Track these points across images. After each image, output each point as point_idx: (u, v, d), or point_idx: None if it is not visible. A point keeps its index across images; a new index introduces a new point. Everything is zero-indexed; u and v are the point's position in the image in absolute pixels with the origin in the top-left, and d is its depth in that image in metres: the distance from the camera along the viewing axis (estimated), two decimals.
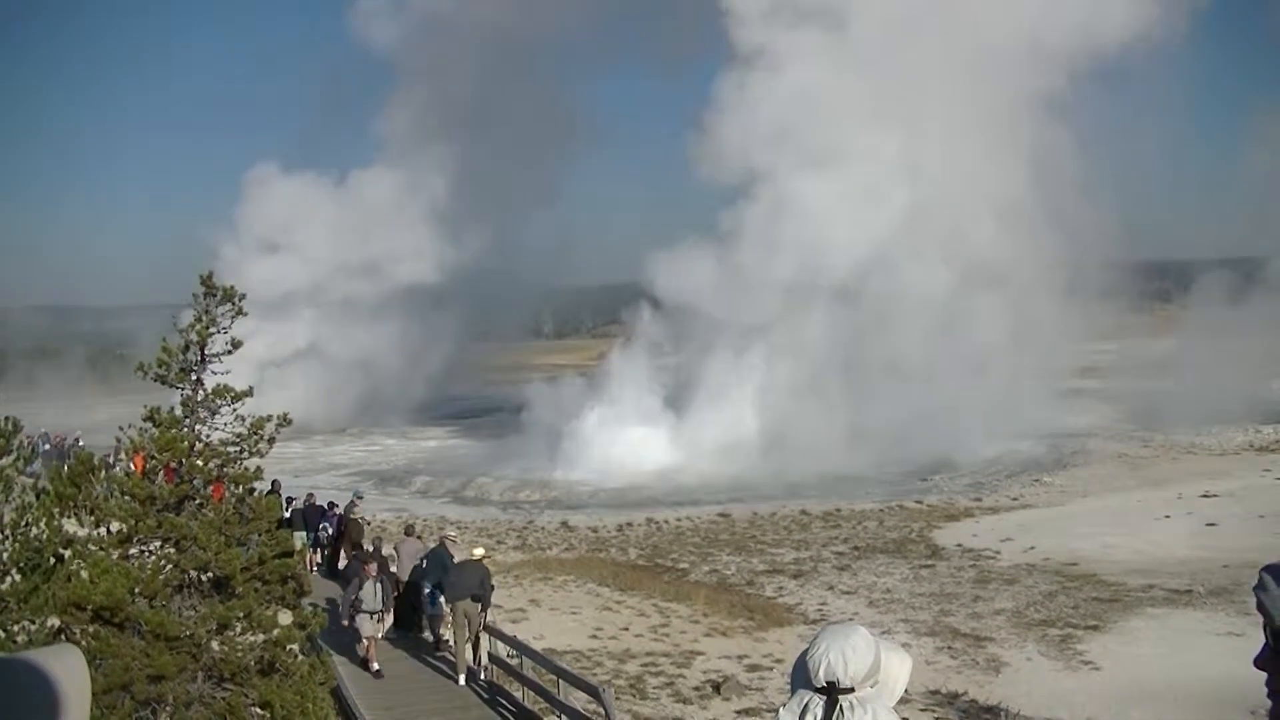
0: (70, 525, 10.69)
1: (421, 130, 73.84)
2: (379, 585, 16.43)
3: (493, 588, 16.14)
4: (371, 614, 16.29)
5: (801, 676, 2.37)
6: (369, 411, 69.57)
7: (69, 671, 1.82)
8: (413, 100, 75.92)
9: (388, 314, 71.95)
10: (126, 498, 10.60)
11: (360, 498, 26.81)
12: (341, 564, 23.11)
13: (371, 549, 20.61)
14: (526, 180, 78.77)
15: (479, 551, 17.08)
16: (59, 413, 58.50)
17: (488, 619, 15.93)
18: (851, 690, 2.30)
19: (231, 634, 10.53)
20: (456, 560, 16.80)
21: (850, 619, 20.83)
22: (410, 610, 18.72)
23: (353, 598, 16.35)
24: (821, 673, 2.30)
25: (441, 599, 16.52)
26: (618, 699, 14.77)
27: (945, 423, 46.19)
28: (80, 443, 38.93)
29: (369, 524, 28.36)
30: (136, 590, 10.11)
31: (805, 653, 2.37)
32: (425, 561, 17.92)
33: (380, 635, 16.80)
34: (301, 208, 70.49)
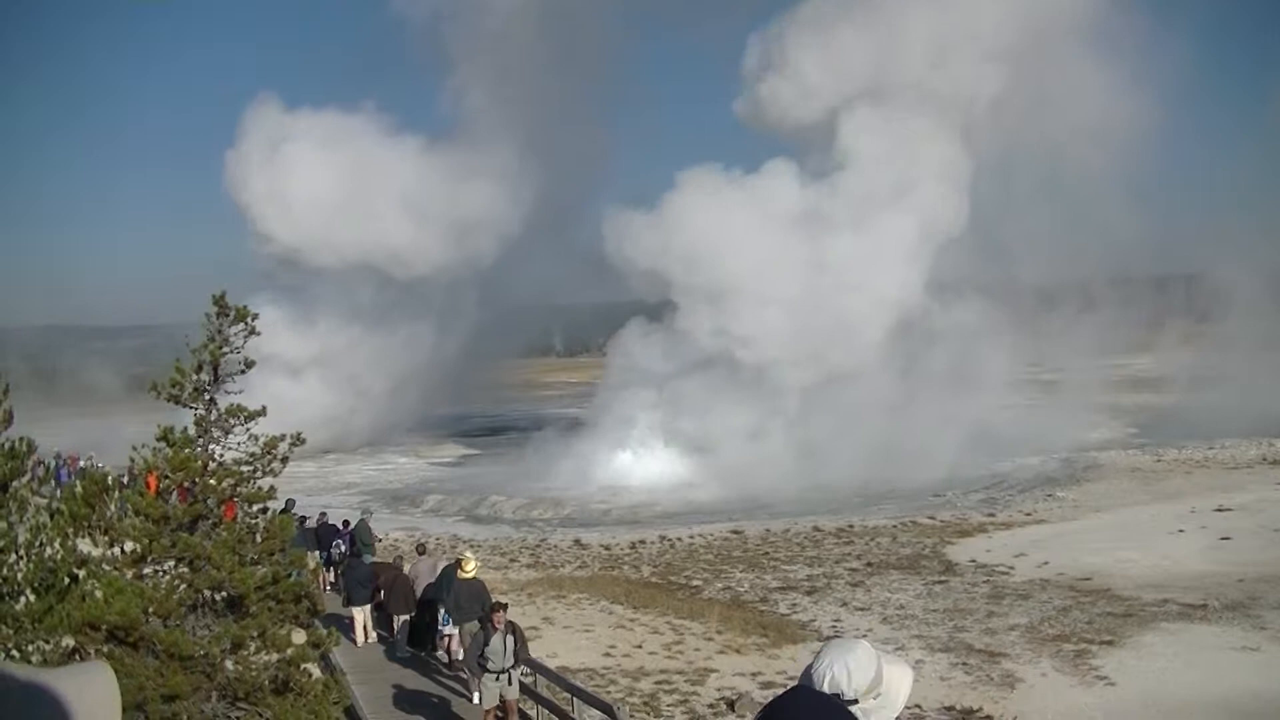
0: (84, 545, 10.74)
1: (474, 109, 68.75)
2: (509, 640, 13.44)
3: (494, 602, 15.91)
4: (498, 674, 13.42)
5: None
6: (381, 430, 68.89)
7: (99, 689, 1.86)
8: (464, 82, 71.25)
9: (400, 327, 69.73)
10: (140, 518, 10.66)
11: (369, 514, 26.89)
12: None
13: (495, 603, 14.79)
14: (579, 144, 72.90)
15: (470, 567, 16.75)
16: (84, 431, 58.40)
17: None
18: (855, 703, 2.33)
19: (245, 653, 10.57)
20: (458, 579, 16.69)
21: (864, 636, 20.79)
22: (425, 629, 18.73)
23: (479, 652, 13.43)
24: (826, 686, 2.34)
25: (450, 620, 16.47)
26: (632, 717, 14.77)
27: (958, 438, 46.17)
28: (96, 462, 39.00)
29: (379, 541, 28.42)
30: (150, 610, 10.17)
31: (809, 667, 2.41)
32: (441, 581, 17.92)
33: (510, 701, 13.79)
34: (323, 199, 62.68)
